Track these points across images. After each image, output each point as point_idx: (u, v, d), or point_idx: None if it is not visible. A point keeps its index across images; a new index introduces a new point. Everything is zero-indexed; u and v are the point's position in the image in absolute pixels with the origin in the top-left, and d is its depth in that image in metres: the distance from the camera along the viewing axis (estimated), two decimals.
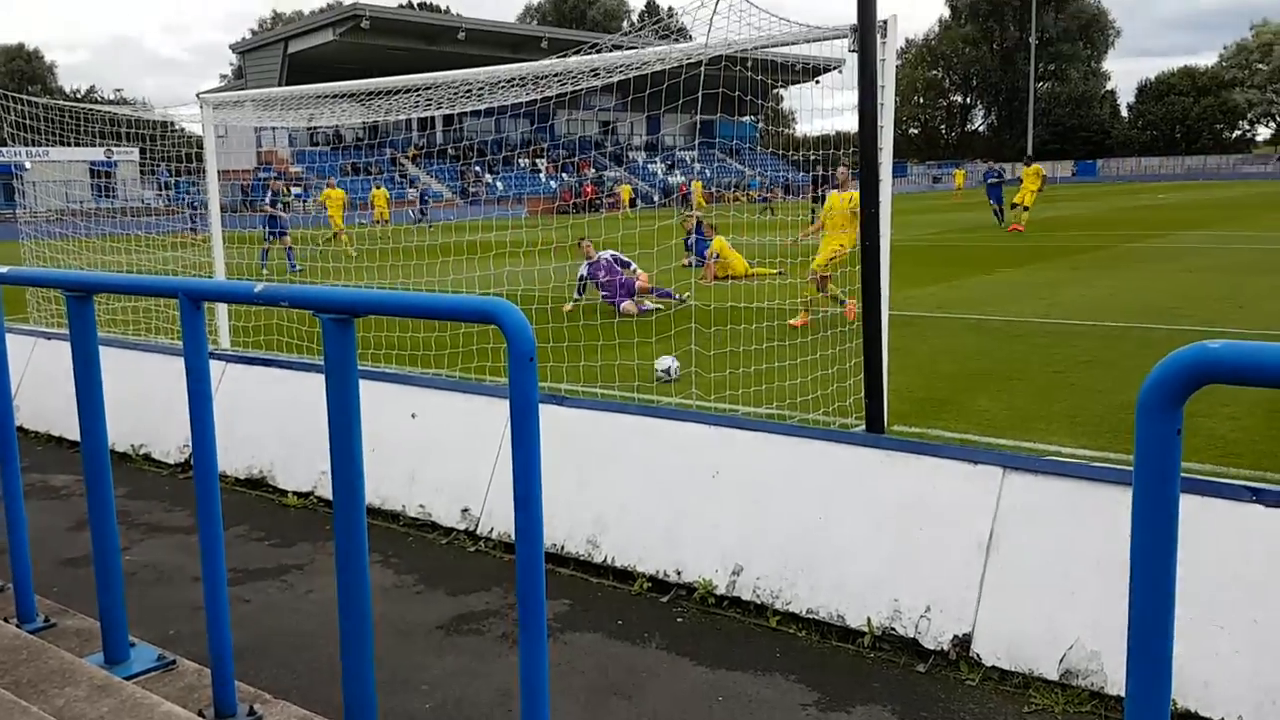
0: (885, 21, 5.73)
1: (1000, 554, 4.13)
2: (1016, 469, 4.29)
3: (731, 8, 5.67)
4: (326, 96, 10.84)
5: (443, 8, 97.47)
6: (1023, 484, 4.24)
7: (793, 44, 5.85)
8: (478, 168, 55.49)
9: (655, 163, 68.32)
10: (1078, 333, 11.22)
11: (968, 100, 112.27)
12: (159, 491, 6.44)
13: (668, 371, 8.28)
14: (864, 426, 6.58)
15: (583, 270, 13.44)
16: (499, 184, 54.12)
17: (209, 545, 3.09)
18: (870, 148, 4.76)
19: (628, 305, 12.80)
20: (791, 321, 10.05)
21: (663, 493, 5.04)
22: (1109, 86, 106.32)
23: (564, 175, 58.31)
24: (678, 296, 13.22)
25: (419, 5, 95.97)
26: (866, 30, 4.66)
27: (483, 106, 10.50)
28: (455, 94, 9.77)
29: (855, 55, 4.95)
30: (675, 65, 7.32)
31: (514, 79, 8.86)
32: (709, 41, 5.96)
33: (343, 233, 23.67)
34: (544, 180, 56.79)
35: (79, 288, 3.28)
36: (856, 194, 12.51)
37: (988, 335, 11.27)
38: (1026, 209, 27.68)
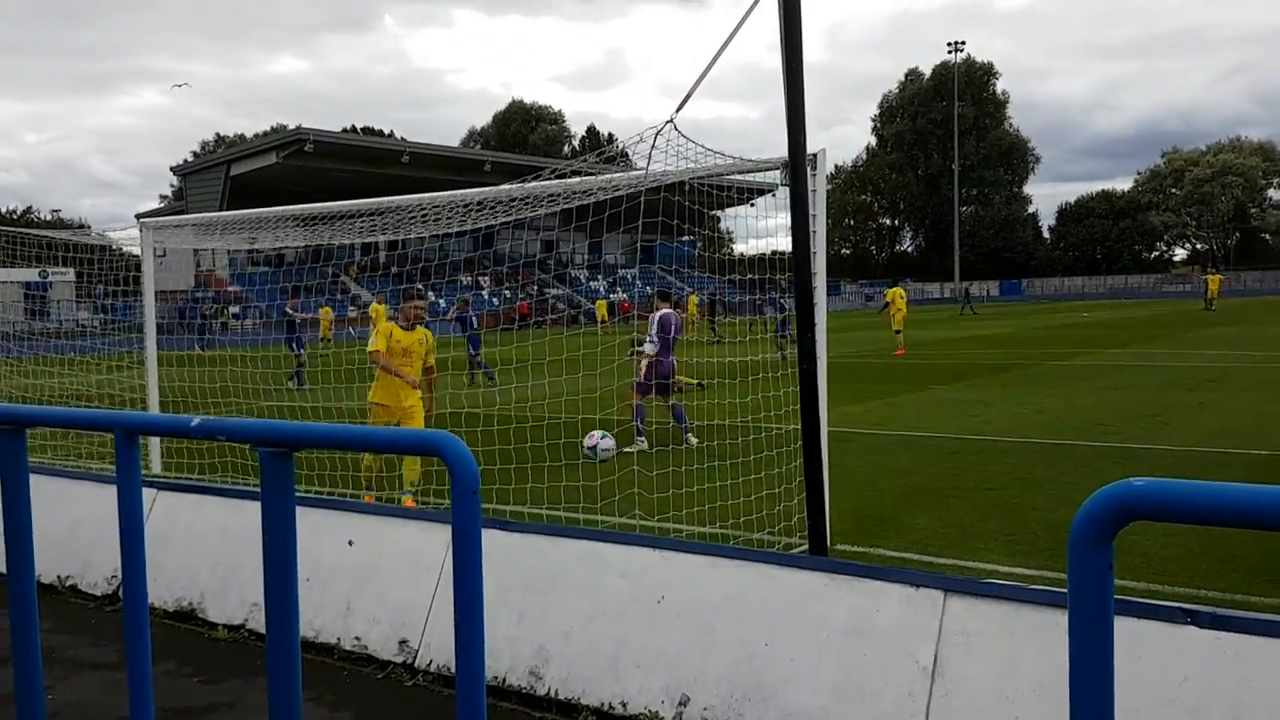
0: (815, 155, 6.00)
1: (945, 680, 4.12)
2: (957, 592, 4.32)
3: (669, 142, 5.88)
4: (270, 221, 10.91)
5: (387, 132, 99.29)
6: (964, 608, 4.26)
7: (729, 174, 6.08)
8: (420, 285, 55.69)
9: (597, 280, 69.30)
10: (1010, 449, 11.45)
11: (896, 223, 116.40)
12: (85, 625, 6.18)
13: (593, 450, 8.16)
14: (805, 546, 6.61)
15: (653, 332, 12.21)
16: (441, 301, 54.34)
17: (137, 688, 2.98)
18: (805, 274, 4.92)
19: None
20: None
21: (608, 619, 4.97)
22: (1031, 210, 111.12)
23: (506, 292, 58.75)
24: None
25: (363, 130, 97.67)
26: (797, 166, 4.87)
27: (429, 234, 10.65)
28: (401, 220, 9.92)
29: (787, 188, 5.16)
30: (616, 192, 7.55)
31: (460, 203, 9.02)
32: (648, 172, 6.16)
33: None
34: (486, 297, 57.12)
35: (10, 420, 3.22)
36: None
37: (923, 452, 11.45)
38: (899, 331, 28.14)
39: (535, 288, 60.45)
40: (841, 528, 7.38)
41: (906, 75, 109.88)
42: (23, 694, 3.38)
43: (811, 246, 5.33)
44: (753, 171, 6.05)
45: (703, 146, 6.02)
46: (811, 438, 4.95)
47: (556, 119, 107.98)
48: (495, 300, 55.27)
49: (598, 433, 7.26)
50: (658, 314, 12.48)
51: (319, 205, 9.84)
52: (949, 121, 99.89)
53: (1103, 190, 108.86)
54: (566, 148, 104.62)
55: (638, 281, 65.37)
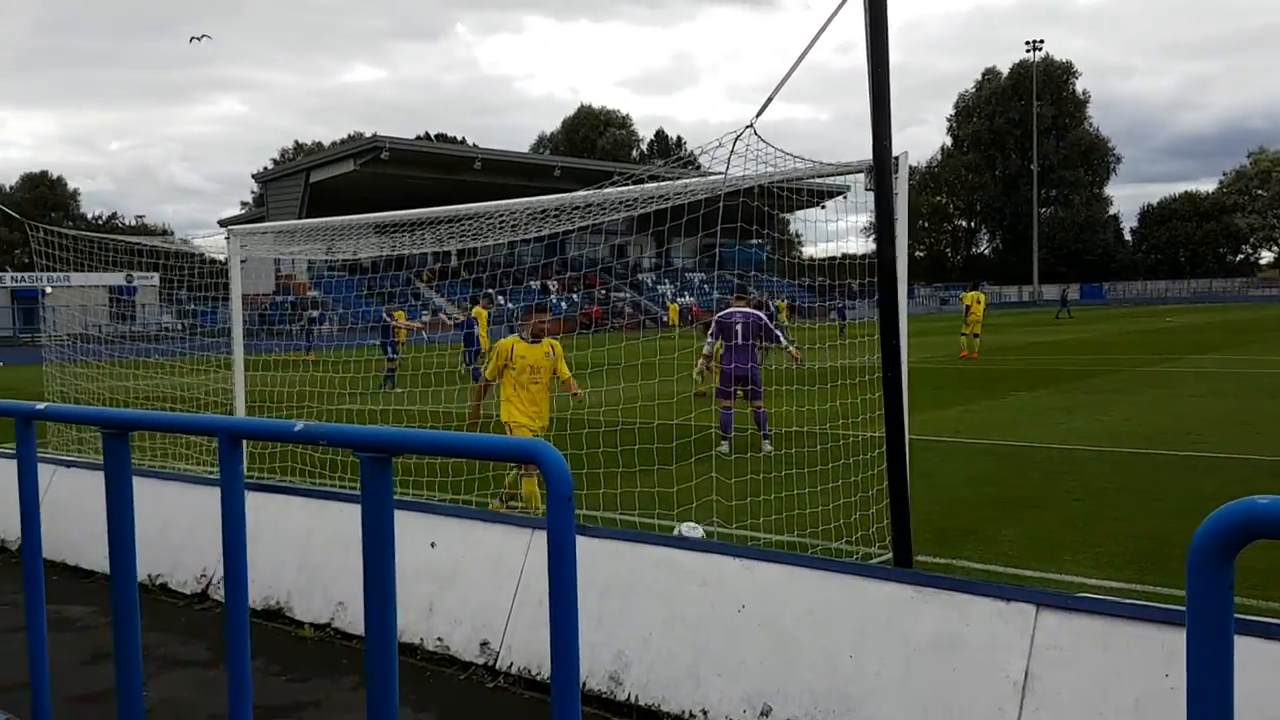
0: (897, 158, 5.92)
1: (1036, 695, 4.03)
2: (1050, 606, 4.22)
3: (749, 147, 5.85)
4: (350, 229, 11.11)
5: (459, 138, 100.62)
6: (1057, 622, 4.17)
7: (808, 178, 6.02)
8: (490, 290, 56.36)
9: (664, 284, 69.35)
10: (1095, 458, 11.16)
11: (972, 225, 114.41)
12: (175, 623, 6.35)
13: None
14: (887, 557, 6.52)
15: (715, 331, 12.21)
16: (510, 305, 54.87)
17: (238, 689, 3.05)
18: (890, 280, 4.85)
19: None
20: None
21: (686, 627, 4.96)
22: (1112, 211, 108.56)
23: (573, 296, 59.11)
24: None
25: (436, 136, 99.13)
26: (882, 171, 4.81)
27: (503, 240, 10.73)
28: (476, 228, 10.02)
29: (871, 192, 5.10)
30: (693, 197, 7.53)
31: (532, 211, 9.08)
32: (727, 177, 6.13)
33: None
34: (554, 301, 57.52)
35: (115, 425, 3.32)
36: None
37: (1005, 460, 11.22)
38: (977, 336, 27.85)
39: (604, 292, 60.73)
40: (922, 538, 7.24)
41: (983, 74, 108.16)
42: (124, 690, 3.48)
43: (896, 252, 5.26)
44: (834, 175, 5.99)
45: (782, 151, 5.98)
46: (896, 446, 4.88)
47: (624, 123, 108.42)
48: (564, 305, 55.63)
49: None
50: (717, 314, 12.42)
51: (401, 213, 9.98)
52: (1027, 121, 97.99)
53: (1186, 192, 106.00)
54: (635, 152, 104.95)
55: (706, 285, 65.26)
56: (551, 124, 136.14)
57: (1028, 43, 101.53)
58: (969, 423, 14.32)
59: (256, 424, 3.07)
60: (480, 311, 24.86)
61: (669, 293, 66.43)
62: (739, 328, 12.02)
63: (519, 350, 8.15)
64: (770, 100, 5.21)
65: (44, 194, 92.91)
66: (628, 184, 7.45)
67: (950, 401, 16.53)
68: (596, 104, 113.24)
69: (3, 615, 6.43)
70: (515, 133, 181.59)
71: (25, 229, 12.55)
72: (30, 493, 3.75)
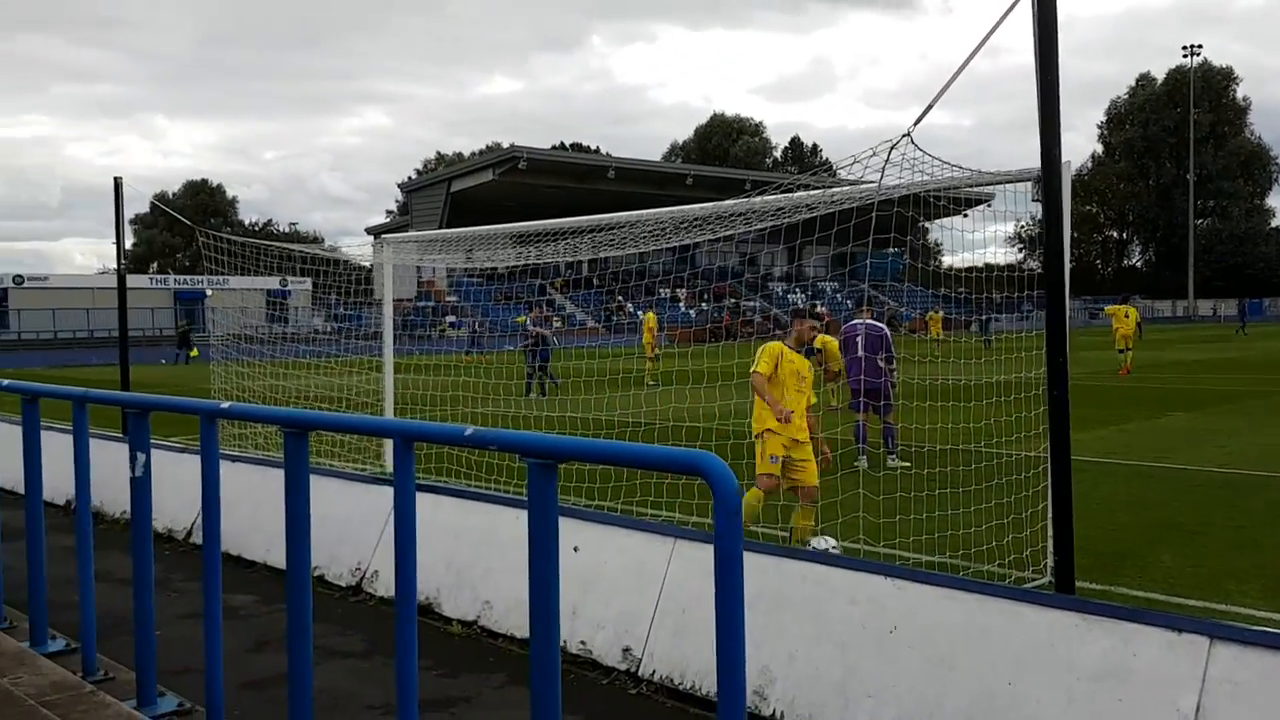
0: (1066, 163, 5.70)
1: None
2: (1224, 639, 4.00)
3: (903, 156, 5.73)
4: (491, 238, 11.38)
5: (593, 148, 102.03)
6: (1231, 655, 3.94)
7: (967, 187, 5.86)
8: (620, 297, 56.90)
9: (795, 292, 68.67)
10: (1262, 484, 10.51)
11: (1124, 236, 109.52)
12: (331, 615, 6.60)
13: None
14: (1043, 581, 6.28)
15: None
16: (639, 312, 55.28)
17: (405, 684, 3.15)
18: (1058, 294, 4.68)
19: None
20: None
21: (834, 645, 4.87)
22: (1274, 224, 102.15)
23: (703, 305, 59.11)
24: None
25: (571, 146, 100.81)
26: (1052, 179, 4.64)
27: (635, 252, 10.79)
28: (613, 237, 10.11)
29: (1036, 202, 4.92)
30: (840, 206, 7.42)
31: (674, 221, 9.11)
32: (881, 186, 6.03)
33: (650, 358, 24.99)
34: (683, 310, 57.66)
35: (297, 425, 3.48)
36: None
37: (1164, 484, 10.67)
38: (1126, 351, 26.78)
39: (732, 300, 60.54)
40: (1079, 563, 6.93)
41: (1137, 80, 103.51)
42: (295, 675, 3.64)
43: (1065, 264, 5.07)
44: (997, 184, 5.81)
45: (940, 159, 5.83)
46: (1061, 467, 4.69)
47: (758, 130, 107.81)
48: (692, 313, 55.69)
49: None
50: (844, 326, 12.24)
51: (542, 223, 10.16)
52: (1183, 129, 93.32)
53: None
54: (769, 160, 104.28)
55: (838, 295, 64.36)
56: (683, 132, 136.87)
57: (1185, 47, 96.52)
58: (1123, 443, 13.68)
59: (429, 428, 3.16)
60: (650, 317, 25.44)
61: (800, 301, 65.77)
62: (860, 339, 11.77)
63: (787, 355, 7.69)
64: (930, 107, 5.10)
65: (205, 200, 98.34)
66: (775, 193, 7.38)
67: (1103, 420, 15.82)
68: (729, 112, 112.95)
69: (171, 602, 6.78)
70: (647, 141, 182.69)
71: (189, 234, 13.30)
72: (212, 488, 3.96)
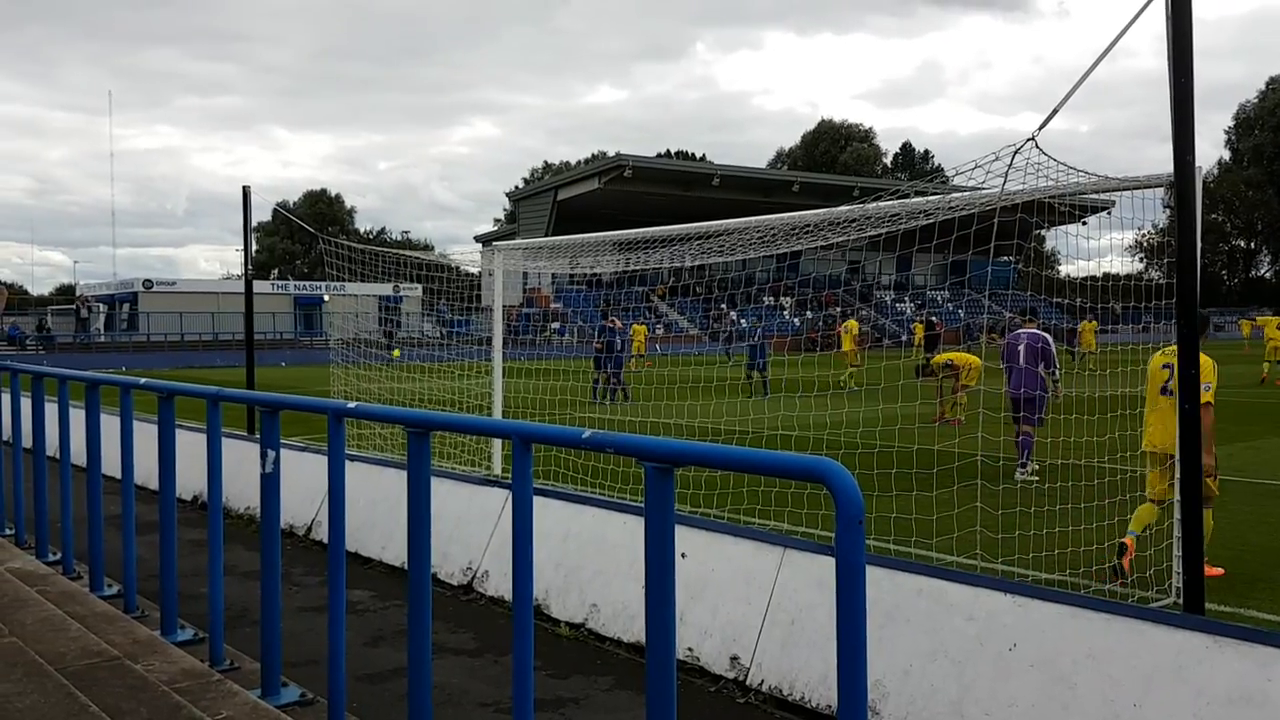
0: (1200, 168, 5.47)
1: None
2: None
3: (1028, 162, 5.58)
4: (597, 245, 11.46)
5: (698, 155, 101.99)
6: None
7: (1096, 194, 5.67)
8: (723, 305, 56.76)
9: (904, 301, 67.47)
10: None
11: (1252, 245, 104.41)
12: (442, 612, 6.73)
13: None
14: (1167, 602, 6.02)
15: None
16: (743, 321, 55.02)
17: (521, 682, 3.20)
18: (1190, 305, 4.49)
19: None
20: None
21: (950, 661, 4.76)
22: None
23: (807, 313, 58.50)
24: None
25: (676, 154, 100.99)
26: (1185, 185, 4.46)
27: (740, 258, 10.75)
28: (717, 244, 10.08)
29: (1168, 210, 4.74)
30: (959, 213, 7.26)
31: (777, 228, 9.02)
32: (1004, 192, 5.88)
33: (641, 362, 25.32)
34: (787, 318, 57.18)
35: (420, 425, 3.57)
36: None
37: None
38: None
39: (839, 309, 59.74)
40: (1207, 585, 6.65)
41: (1267, 83, 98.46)
42: (415, 671, 3.72)
43: (1197, 275, 4.87)
44: (1124, 190, 5.61)
45: (1065, 165, 5.66)
46: (1191, 485, 4.49)
47: (867, 136, 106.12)
48: (797, 321, 55.17)
49: None
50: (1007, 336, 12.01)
51: (649, 230, 10.17)
52: None
53: None
54: (879, 166, 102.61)
55: (949, 304, 62.97)
56: (789, 139, 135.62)
57: None
58: (1253, 460, 13.03)
59: (547, 430, 3.21)
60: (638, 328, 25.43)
61: (908, 310, 64.58)
62: (1021, 349, 11.67)
63: (1155, 361, 7.15)
64: (1056, 110, 4.96)
65: (323, 209, 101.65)
66: (890, 199, 7.27)
67: (1231, 437, 15.09)
68: (837, 118, 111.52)
69: (291, 596, 7.01)
70: (752, 149, 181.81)
71: (308, 241, 13.77)
72: (338, 484, 4.08)
